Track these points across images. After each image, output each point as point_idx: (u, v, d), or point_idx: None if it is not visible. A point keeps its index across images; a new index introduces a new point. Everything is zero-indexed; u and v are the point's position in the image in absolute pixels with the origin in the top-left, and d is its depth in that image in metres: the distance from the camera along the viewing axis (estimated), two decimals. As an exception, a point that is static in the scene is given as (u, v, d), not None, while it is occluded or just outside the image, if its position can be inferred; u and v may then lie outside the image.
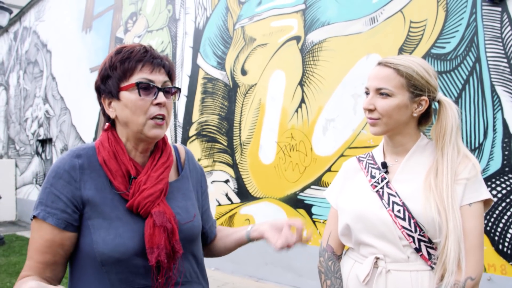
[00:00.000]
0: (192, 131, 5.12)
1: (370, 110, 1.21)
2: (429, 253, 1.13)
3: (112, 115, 1.09)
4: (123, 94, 1.06)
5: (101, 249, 0.98)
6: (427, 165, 1.19)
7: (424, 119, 1.27)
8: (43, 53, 9.27)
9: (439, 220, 1.08)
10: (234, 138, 4.62)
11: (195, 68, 5.14)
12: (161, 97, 1.06)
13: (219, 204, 4.75)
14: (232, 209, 4.60)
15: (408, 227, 1.13)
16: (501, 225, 2.79)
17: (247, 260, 4.32)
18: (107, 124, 1.12)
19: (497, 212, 2.81)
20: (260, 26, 4.40)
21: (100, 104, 1.12)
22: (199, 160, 4.99)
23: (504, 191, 2.79)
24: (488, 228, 2.84)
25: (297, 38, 4.06)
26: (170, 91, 1.11)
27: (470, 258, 1.08)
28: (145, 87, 1.05)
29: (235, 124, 4.62)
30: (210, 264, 4.64)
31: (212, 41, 4.94)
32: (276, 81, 4.24)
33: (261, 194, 4.30)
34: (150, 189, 1.04)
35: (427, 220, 1.11)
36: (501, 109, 2.82)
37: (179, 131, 5.31)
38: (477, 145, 2.92)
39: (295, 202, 3.98)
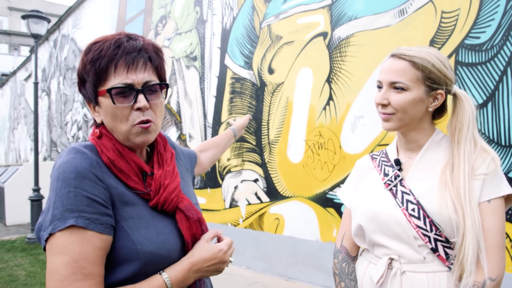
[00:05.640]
0: (221, 131, 5.15)
1: (384, 105, 1.16)
2: (446, 253, 1.07)
3: (98, 120, 0.99)
4: (101, 100, 0.94)
5: (147, 248, 0.90)
6: (443, 161, 1.13)
7: (438, 112, 1.21)
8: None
9: (456, 219, 1.02)
10: (263, 137, 4.60)
11: (223, 69, 5.17)
12: (141, 100, 0.92)
13: (249, 203, 4.75)
14: (261, 208, 4.59)
15: (423, 226, 1.07)
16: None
17: (277, 260, 4.30)
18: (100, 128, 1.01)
19: (540, 211, 2.63)
20: (286, 24, 4.36)
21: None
22: (228, 159, 5.02)
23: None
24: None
25: (323, 34, 3.99)
26: (155, 89, 0.96)
27: (490, 258, 1.01)
28: (119, 93, 0.92)
29: (263, 123, 4.61)
30: (241, 263, 4.65)
31: (239, 41, 4.95)
32: (303, 79, 4.19)
33: (290, 193, 4.26)
34: (172, 183, 1.00)
35: (443, 219, 1.05)
36: (543, 101, 2.64)
37: (209, 131, 5.37)
38: (516, 140, 2.75)
39: (324, 201, 3.91)
